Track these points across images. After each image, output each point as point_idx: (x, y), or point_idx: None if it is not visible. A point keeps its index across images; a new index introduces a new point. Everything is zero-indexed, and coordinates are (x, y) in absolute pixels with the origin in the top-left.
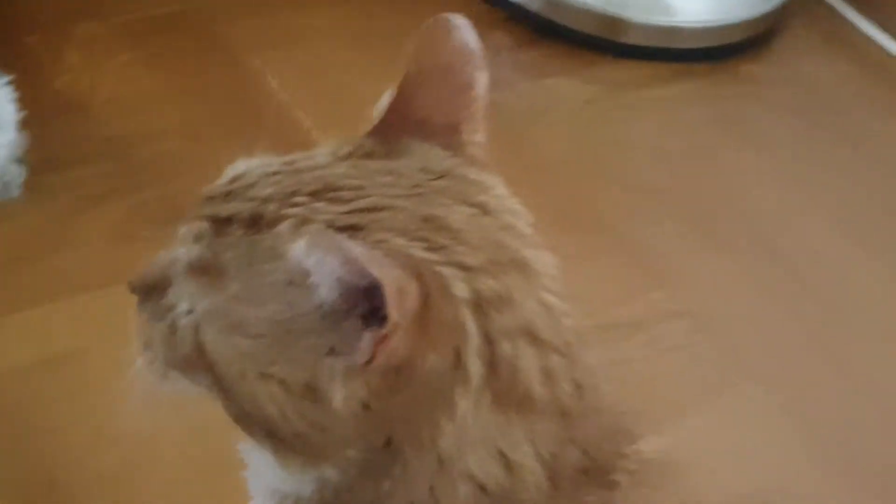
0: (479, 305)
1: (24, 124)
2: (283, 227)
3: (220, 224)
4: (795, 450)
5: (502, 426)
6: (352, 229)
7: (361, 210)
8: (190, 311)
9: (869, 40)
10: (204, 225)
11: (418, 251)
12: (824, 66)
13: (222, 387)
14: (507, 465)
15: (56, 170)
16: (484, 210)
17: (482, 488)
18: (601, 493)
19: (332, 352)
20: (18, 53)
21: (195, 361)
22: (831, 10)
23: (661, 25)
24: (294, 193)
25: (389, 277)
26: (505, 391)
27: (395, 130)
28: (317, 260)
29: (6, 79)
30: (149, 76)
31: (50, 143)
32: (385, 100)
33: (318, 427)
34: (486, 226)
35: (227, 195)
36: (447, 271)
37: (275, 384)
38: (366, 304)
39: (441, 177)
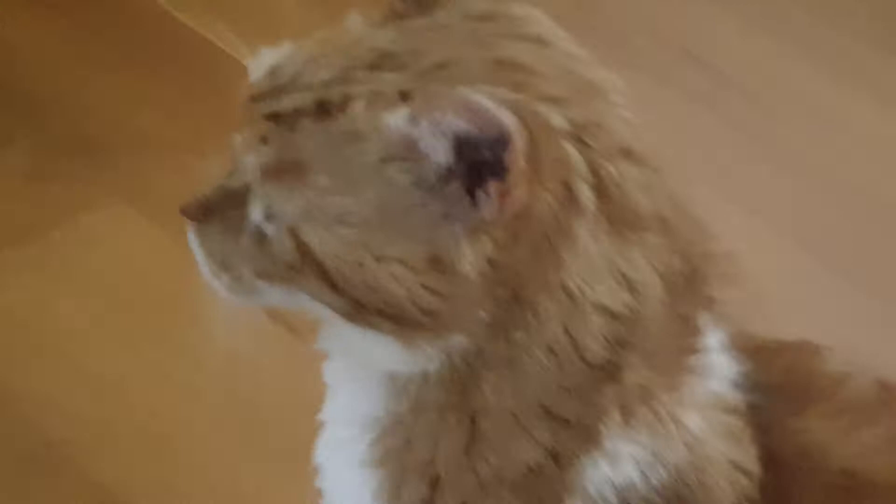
0: (577, 134)
1: None
2: (357, 106)
3: (285, 120)
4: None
5: (620, 249)
6: None
7: (429, 70)
8: (274, 216)
9: None
10: (266, 125)
11: (508, 94)
12: None
13: (334, 284)
14: (631, 286)
15: None
16: (542, 42)
17: (613, 315)
18: (704, 298)
19: (446, 217)
20: None
21: (300, 267)
22: None
23: None
24: (350, 70)
25: (512, 122)
26: (617, 213)
27: None
28: (432, 121)
29: None
30: (35, 16)
31: None
32: None
33: (446, 296)
34: (551, 57)
35: (277, 90)
36: (541, 107)
37: (396, 265)
38: (471, 160)
39: (487, 19)
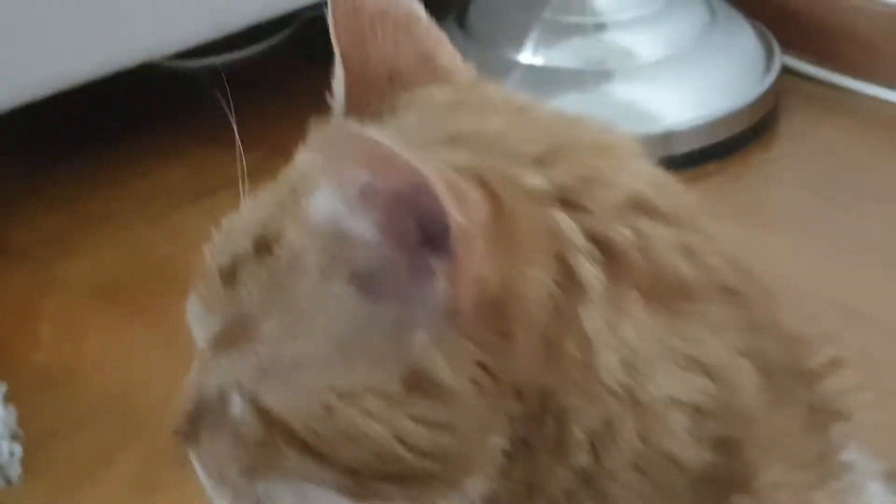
0: (566, 196)
1: (9, 399)
2: (291, 226)
3: (227, 276)
4: None
5: (672, 326)
6: None
7: None
8: (236, 394)
9: (872, 99)
10: (212, 285)
11: (464, 160)
12: (834, 136)
13: (314, 451)
14: (706, 370)
15: (52, 442)
16: (522, 109)
17: (697, 410)
18: (827, 403)
19: (408, 325)
20: None
21: (270, 441)
22: (825, 83)
23: (650, 134)
24: (288, 197)
25: (436, 171)
26: (650, 283)
27: (367, 102)
28: (333, 174)
29: None
30: (131, 327)
31: (40, 416)
32: (337, 83)
33: (443, 429)
34: (533, 120)
35: (219, 247)
36: (510, 167)
37: (368, 398)
38: (399, 230)
39: (452, 106)
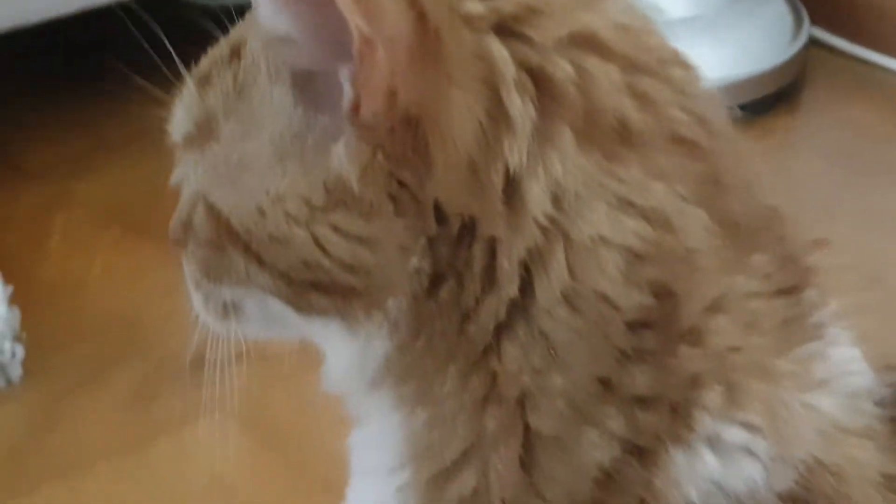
0: (505, 23)
1: (13, 302)
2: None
3: (203, 79)
4: None
5: (607, 168)
6: None
7: None
8: (197, 193)
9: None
10: (190, 89)
11: None
12: (859, 110)
13: (253, 253)
14: (644, 213)
15: (55, 349)
16: None
17: (631, 252)
18: (798, 263)
19: (333, 134)
20: None
21: (220, 242)
22: (853, 57)
23: None
24: None
25: None
26: (585, 122)
27: None
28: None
29: None
30: (140, 245)
31: (45, 325)
32: None
33: (363, 243)
34: None
35: (205, 58)
36: None
37: (293, 201)
38: (333, 42)
39: None
